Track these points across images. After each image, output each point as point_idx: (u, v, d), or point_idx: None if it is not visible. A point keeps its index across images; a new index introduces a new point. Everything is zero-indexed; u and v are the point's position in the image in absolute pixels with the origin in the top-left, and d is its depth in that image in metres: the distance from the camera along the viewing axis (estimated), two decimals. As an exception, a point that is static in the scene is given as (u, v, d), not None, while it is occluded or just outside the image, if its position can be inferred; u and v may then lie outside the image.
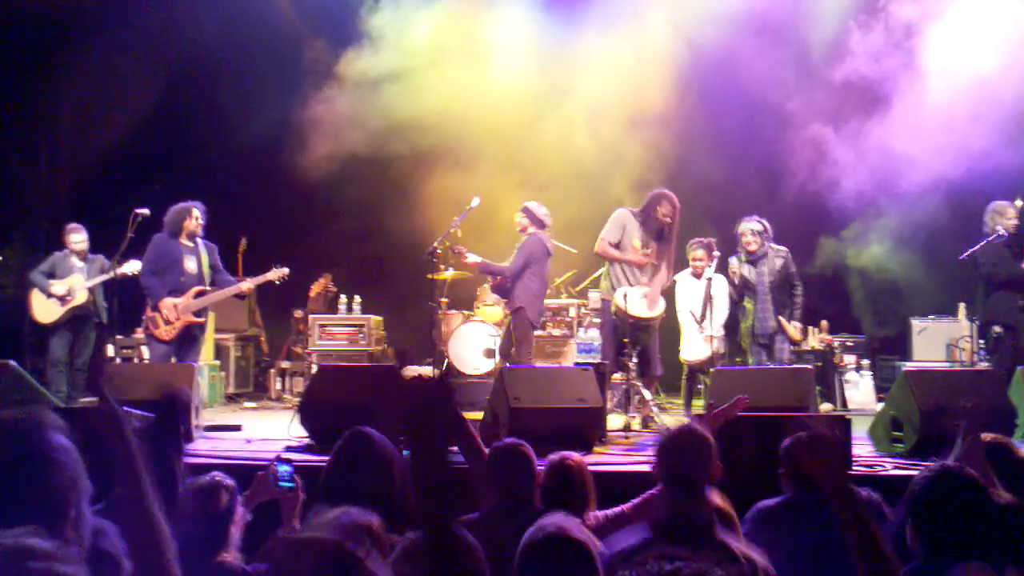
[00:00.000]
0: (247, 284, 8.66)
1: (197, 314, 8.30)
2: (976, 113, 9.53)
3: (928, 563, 2.78)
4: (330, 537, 2.40)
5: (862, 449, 6.41)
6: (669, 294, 8.84)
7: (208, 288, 8.40)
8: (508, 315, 8.98)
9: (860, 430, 6.59)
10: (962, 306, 10.22)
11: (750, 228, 8.66)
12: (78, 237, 9.28)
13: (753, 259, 8.67)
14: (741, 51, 10.26)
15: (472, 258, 8.91)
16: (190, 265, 8.35)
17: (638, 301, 7.99)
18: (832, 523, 3.00)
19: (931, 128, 9.53)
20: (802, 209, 10.20)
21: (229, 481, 3.43)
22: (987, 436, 3.85)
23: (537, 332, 10.06)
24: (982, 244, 9.12)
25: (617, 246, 8.20)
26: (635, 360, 7.89)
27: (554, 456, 3.92)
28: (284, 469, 3.61)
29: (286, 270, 8.69)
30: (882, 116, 10.07)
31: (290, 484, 3.60)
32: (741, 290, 8.73)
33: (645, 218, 8.18)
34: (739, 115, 10.41)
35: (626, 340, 8.00)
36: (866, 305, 11.09)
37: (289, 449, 6.39)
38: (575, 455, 3.95)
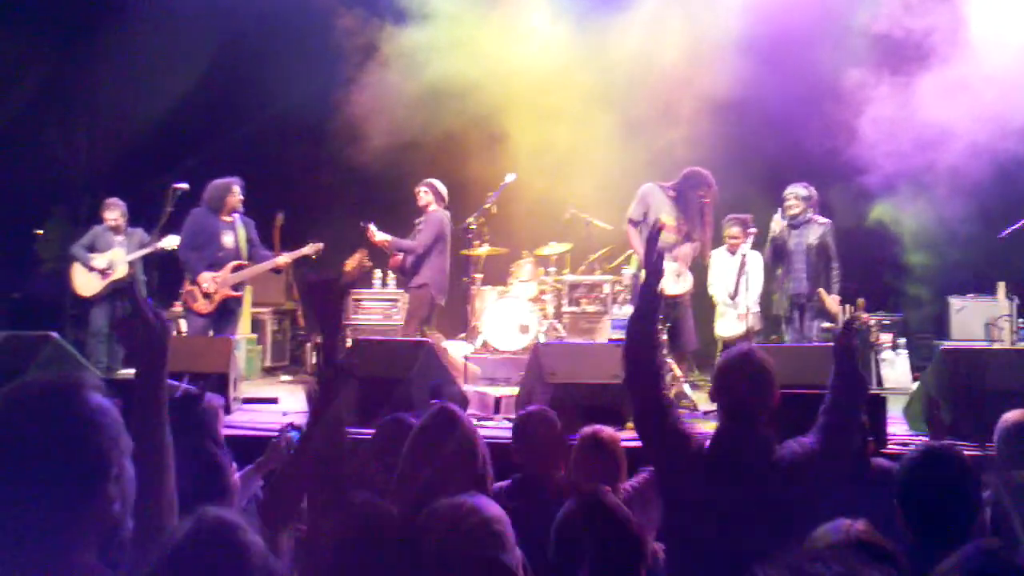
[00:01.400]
0: (283, 258, 8.75)
1: (235, 288, 8.40)
2: None
3: (915, 547, 2.72)
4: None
5: (897, 428, 6.37)
6: (703, 270, 8.81)
7: (245, 262, 8.49)
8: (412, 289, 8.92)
9: (895, 409, 6.55)
10: (1001, 285, 10.05)
11: (795, 192, 8.64)
12: (111, 214, 9.39)
13: (794, 223, 8.62)
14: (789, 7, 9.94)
15: (380, 236, 8.91)
16: (228, 240, 8.44)
17: (665, 277, 7.98)
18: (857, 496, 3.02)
19: (978, 94, 9.21)
20: (836, 180, 9.99)
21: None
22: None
23: (571, 309, 10.09)
24: (1022, 222, 9.00)
25: (642, 221, 8.19)
26: (666, 336, 7.88)
27: (587, 429, 3.95)
28: (296, 436, 3.62)
29: (321, 245, 8.77)
30: (926, 79, 9.69)
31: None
32: (776, 253, 8.68)
33: (680, 197, 8.15)
34: (783, 75, 10.10)
35: (660, 316, 7.98)
36: (904, 282, 10.94)
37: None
38: (608, 429, 3.98)
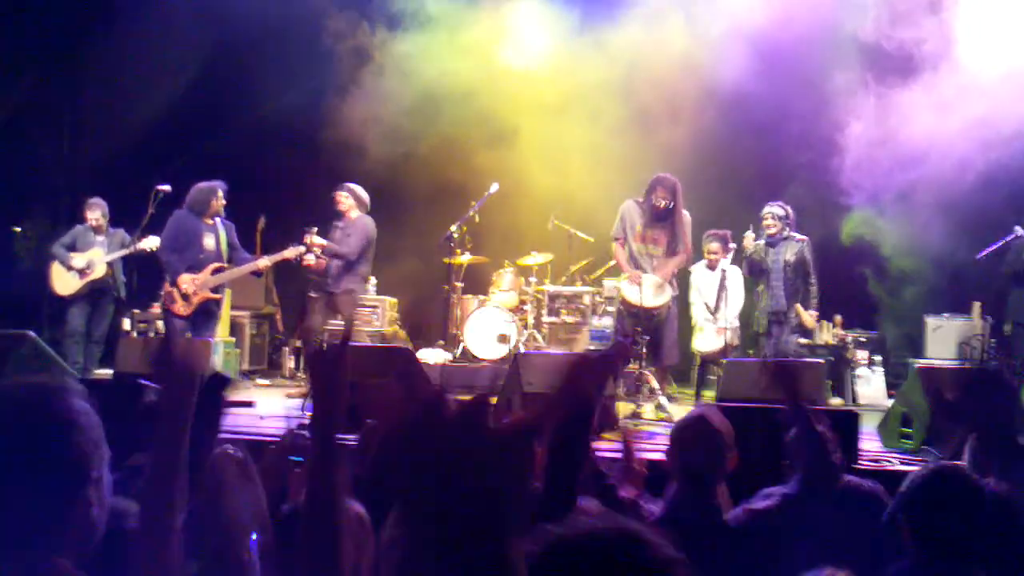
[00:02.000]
0: (264, 262, 8.74)
1: (214, 290, 8.39)
2: (1013, 95, 9.23)
3: (919, 561, 2.80)
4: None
5: (870, 444, 6.42)
6: (683, 284, 8.87)
7: (226, 265, 8.49)
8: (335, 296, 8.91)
9: (870, 425, 6.60)
10: (976, 305, 10.14)
11: (772, 212, 8.80)
12: (92, 214, 9.33)
13: (772, 242, 8.77)
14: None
15: (318, 240, 8.90)
16: (208, 242, 8.44)
17: (642, 289, 8.06)
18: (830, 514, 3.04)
19: (963, 108, 9.24)
20: (815, 196, 10.05)
21: (238, 453, 3.44)
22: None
23: (551, 319, 10.11)
24: (999, 243, 9.10)
25: (623, 238, 8.33)
26: (644, 349, 7.93)
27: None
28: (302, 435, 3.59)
29: (303, 248, 8.75)
30: (910, 91, 9.72)
31: (300, 459, 3.61)
32: (752, 271, 8.80)
33: (646, 205, 8.29)
34: (770, 85, 10.11)
35: (638, 328, 8.04)
36: (880, 300, 11.02)
37: (301, 427, 6.44)
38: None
